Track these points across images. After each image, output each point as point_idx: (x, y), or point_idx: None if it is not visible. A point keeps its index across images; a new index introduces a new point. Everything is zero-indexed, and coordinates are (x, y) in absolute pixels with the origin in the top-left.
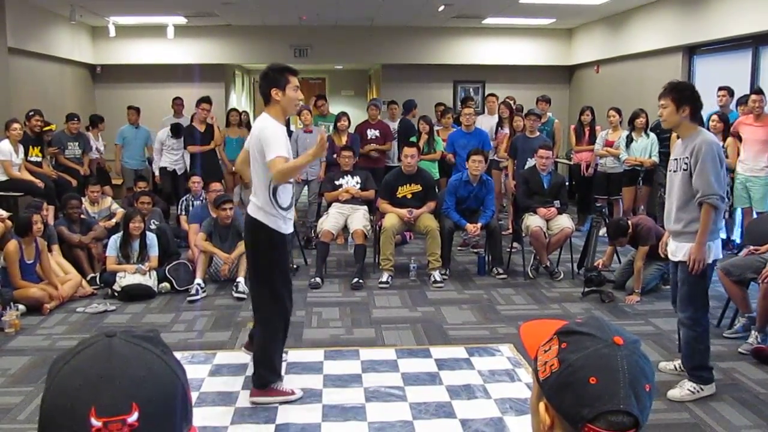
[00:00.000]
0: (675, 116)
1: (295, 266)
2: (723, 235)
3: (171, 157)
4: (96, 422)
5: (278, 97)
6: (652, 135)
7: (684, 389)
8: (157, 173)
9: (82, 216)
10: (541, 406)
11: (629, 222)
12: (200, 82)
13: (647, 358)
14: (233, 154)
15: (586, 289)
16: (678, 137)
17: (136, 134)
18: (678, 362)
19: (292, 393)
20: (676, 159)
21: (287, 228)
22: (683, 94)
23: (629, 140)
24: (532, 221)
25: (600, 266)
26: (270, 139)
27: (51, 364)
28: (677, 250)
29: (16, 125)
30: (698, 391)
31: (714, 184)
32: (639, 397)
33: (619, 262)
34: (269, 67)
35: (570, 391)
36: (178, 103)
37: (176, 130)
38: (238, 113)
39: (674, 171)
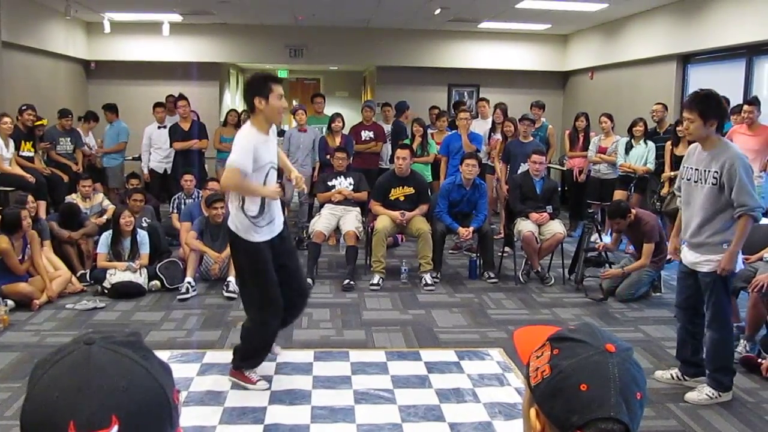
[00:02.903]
0: (702, 130)
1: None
2: None
3: (160, 154)
4: None
5: (261, 105)
6: (650, 143)
7: (702, 393)
8: (146, 171)
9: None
10: (532, 412)
11: (631, 208)
12: (195, 80)
13: (639, 366)
14: (228, 153)
15: (584, 273)
16: (690, 143)
17: (108, 132)
18: (675, 371)
19: (255, 382)
20: (698, 169)
21: (260, 237)
22: (710, 108)
23: (629, 146)
24: (524, 226)
25: (601, 248)
26: (237, 146)
27: (32, 369)
28: (697, 261)
29: (6, 119)
30: (716, 397)
31: (755, 197)
32: (630, 405)
33: (610, 266)
34: (252, 75)
35: (561, 397)
36: (170, 101)
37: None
38: (236, 114)
39: (696, 182)
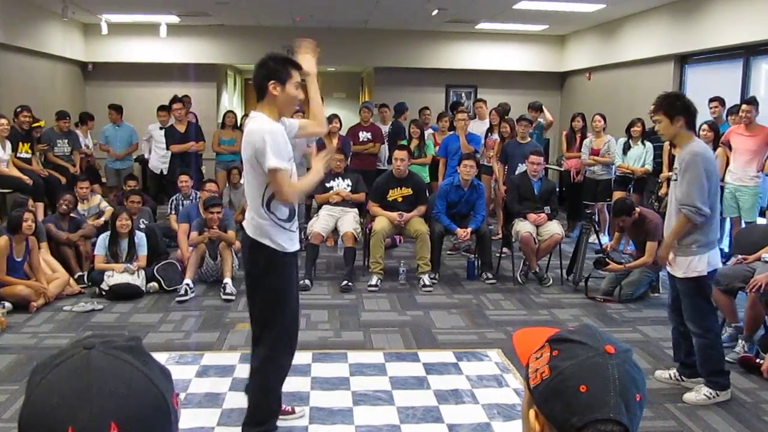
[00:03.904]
0: (671, 128)
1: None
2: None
3: (158, 153)
4: None
5: (276, 92)
6: (648, 144)
7: (700, 394)
8: (147, 155)
9: (71, 214)
10: (531, 413)
11: (635, 206)
12: (192, 82)
13: (639, 368)
14: (226, 155)
15: (582, 274)
16: (673, 146)
17: (117, 133)
18: (674, 371)
19: (292, 411)
20: (676, 168)
21: (290, 245)
22: (674, 106)
23: (626, 147)
24: (522, 227)
25: (608, 249)
26: (268, 144)
27: (30, 373)
28: (674, 262)
29: (3, 121)
30: (714, 397)
31: (692, 195)
32: (629, 407)
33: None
34: (270, 56)
35: (560, 398)
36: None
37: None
38: (234, 115)
39: (673, 180)
